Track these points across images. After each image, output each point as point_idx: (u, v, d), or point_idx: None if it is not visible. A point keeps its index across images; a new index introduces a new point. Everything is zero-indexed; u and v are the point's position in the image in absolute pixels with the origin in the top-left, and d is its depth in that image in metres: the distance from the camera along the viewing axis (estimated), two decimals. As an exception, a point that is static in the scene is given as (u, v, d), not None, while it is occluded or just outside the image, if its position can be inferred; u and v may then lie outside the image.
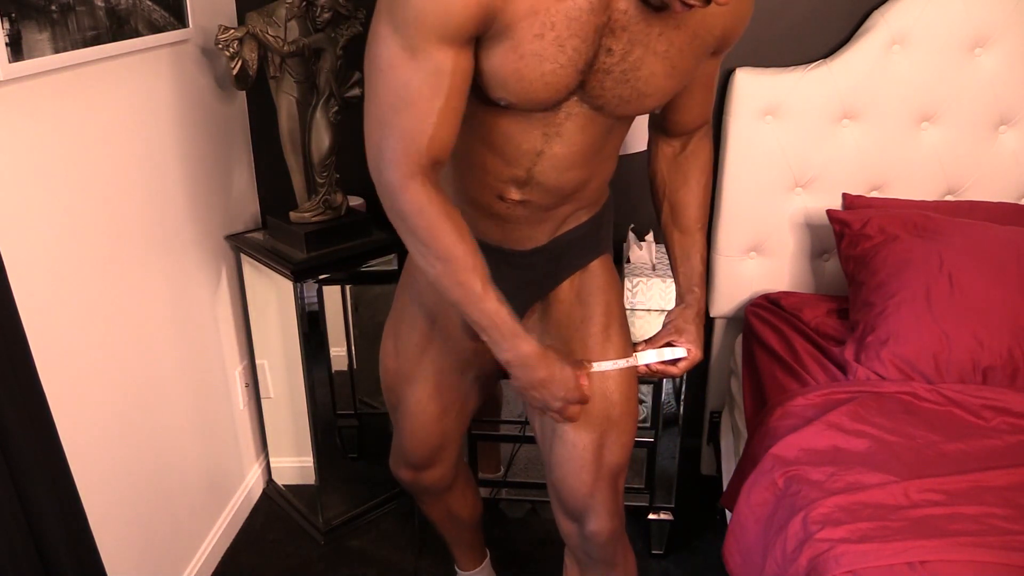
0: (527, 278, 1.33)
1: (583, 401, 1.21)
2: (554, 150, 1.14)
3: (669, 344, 1.29)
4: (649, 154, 1.40)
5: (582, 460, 1.30)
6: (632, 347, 1.34)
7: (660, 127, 1.36)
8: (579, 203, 1.29)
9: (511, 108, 1.09)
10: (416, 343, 1.42)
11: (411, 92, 1.00)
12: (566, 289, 1.35)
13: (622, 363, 1.28)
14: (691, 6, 0.96)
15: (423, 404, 1.44)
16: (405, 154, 1.03)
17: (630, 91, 1.09)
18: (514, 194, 1.20)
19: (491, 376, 1.51)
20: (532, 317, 1.38)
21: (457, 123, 1.05)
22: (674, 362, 1.29)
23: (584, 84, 1.08)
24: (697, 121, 1.33)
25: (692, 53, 1.11)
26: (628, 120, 1.22)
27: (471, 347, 1.40)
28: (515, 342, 1.15)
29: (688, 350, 1.28)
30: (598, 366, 1.26)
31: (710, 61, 1.22)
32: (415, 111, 1.01)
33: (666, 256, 2.02)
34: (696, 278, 1.34)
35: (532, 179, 1.17)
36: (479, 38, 1.01)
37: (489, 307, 1.12)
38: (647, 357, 1.28)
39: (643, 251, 2.02)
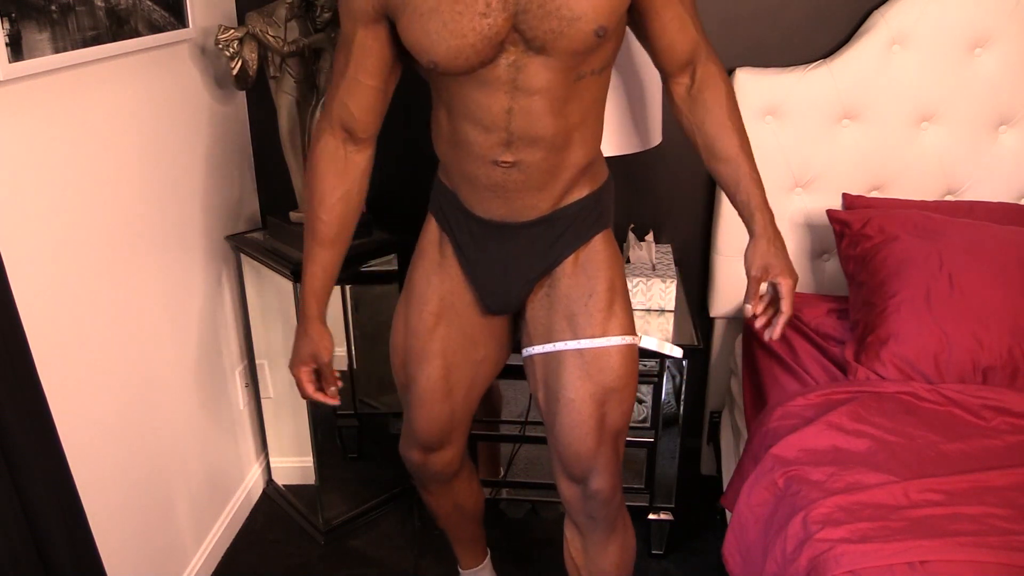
0: (532, 250, 1.37)
1: (298, 384, 1.43)
2: (521, 103, 1.20)
3: (770, 283, 1.30)
4: (670, 106, 1.39)
5: (587, 426, 1.35)
6: (634, 324, 1.42)
7: (661, 69, 1.35)
8: (575, 167, 1.30)
9: (448, 72, 1.17)
10: (426, 321, 1.44)
11: (337, 62, 1.28)
12: (571, 263, 1.38)
13: (628, 339, 1.36)
14: None
15: (432, 382, 1.46)
16: (326, 106, 1.32)
17: (556, 21, 1.13)
18: (505, 155, 1.24)
19: (496, 361, 1.53)
20: (540, 291, 1.41)
21: (367, 99, 1.27)
22: (776, 302, 1.31)
23: (518, 30, 1.14)
24: (686, 44, 1.30)
25: None
26: (590, 59, 1.20)
27: (479, 323, 1.45)
28: (304, 298, 1.40)
29: (780, 282, 1.29)
30: (605, 341, 1.36)
31: None
32: (336, 77, 1.28)
33: (666, 256, 2.03)
34: (755, 200, 1.32)
35: (513, 136, 1.22)
36: (391, 19, 1.19)
37: (304, 259, 1.38)
38: (649, 343, 1.39)
39: (643, 251, 2.02)
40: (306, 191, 1.36)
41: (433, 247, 1.43)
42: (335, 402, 1.45)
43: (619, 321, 1.36)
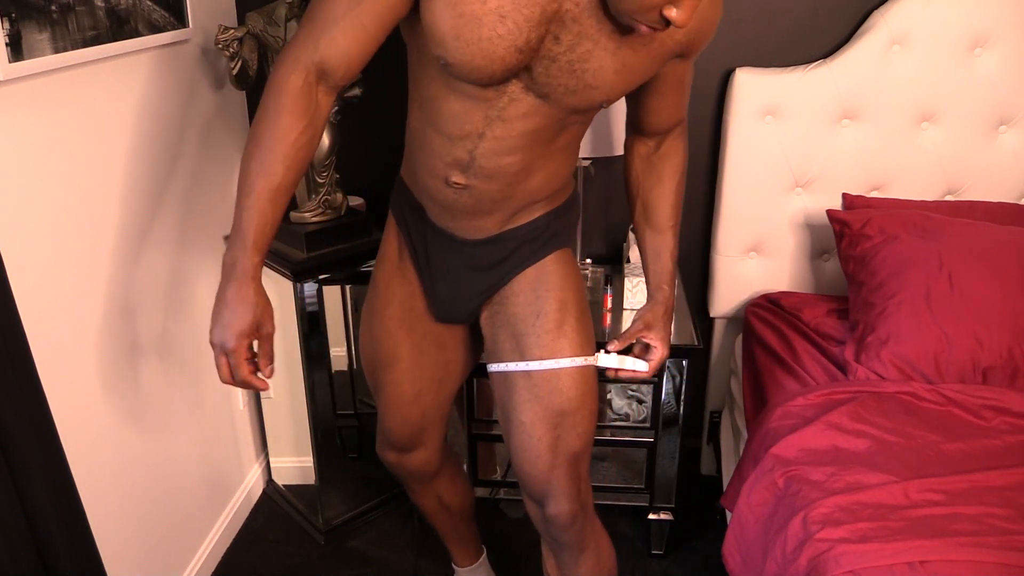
0: (480, 266, 1.35)
1: (230, 358, 1.13)
2: (495, 133, 1.17)
3: (640, 341, 1.35)
4: (624, 153, 1.42)
5: (538, 449, 1.33)
6: (593, 344, 1.38)
7: (634, 127, 1.39)
8: (528, 197, 1.30)
9: (453, 74, 1.11)
10: (388, 325, 1.44)
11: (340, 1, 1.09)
12: (521, 283, 1.36)
13: (579, 361, 1.32)
14: (656, 29, 1.02)
15: (398, 385, 1.46)
16: (303, 40, 1.11)
17: (576, 82, 1.12)
18: (458, 177, 1.23)
19: (465, 362, 1.52)
20: (491, 308, 1.39)
21: (360, 47, 1.10)
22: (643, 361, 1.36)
23: (531, 70, 1.11)
24: (670, 122, 1.36)
25: (648, 54, 1.14)
26: (581, 115, 1.22)
27: (436, 329, 1.44)
28: (243, 252, 1.13)
29: (655, 347, 1.34)
30: (554, 363, 1.31)
31: (678, 64, 1.24)
32: (330, 10, 1.09)
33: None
34: (666, 276, 1.40)
35: (474, 162, 1.21)
36: None
37: (247, 205, 1.12)
38: (608, 361, 1.34)
39: (643, 251, 2.02)
40: (264, 129, 1.11)
41: (393, 250, 1.42)
42: (266, 387, 1.17)
43: (570, 342, 1.33)
